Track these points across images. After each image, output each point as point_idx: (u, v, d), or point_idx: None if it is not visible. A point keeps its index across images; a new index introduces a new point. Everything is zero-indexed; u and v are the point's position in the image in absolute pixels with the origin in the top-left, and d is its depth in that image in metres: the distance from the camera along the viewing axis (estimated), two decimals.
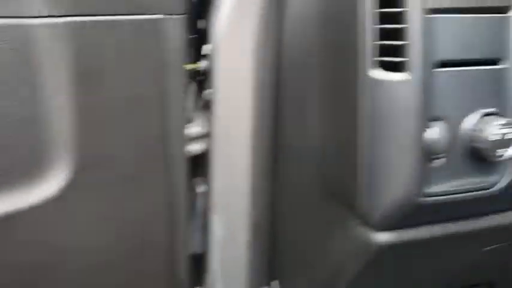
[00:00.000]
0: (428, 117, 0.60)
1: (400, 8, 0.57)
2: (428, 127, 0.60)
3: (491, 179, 0.64)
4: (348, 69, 0.62)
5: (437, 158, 0.61)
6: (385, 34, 0.59)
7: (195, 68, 0.83)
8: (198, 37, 0.82)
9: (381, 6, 0.59)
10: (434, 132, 0.60)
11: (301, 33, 0.73)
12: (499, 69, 0.62)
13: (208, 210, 0.85)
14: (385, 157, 0.61)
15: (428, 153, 0.60)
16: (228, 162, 0.82)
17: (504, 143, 0.60)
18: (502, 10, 0.62)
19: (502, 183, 0.64)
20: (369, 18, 0.59)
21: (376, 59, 0.59)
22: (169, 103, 0.70)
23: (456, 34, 0.59)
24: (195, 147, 0.83)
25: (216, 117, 0.78)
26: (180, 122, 0.74)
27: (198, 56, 0.82)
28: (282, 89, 0.80)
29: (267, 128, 0.82)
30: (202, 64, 0.81)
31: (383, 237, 0.65)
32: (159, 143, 0.71)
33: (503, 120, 0.60)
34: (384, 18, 0.59)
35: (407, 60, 0.58)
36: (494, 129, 0.59)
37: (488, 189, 0.64)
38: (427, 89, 0.59)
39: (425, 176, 0.61)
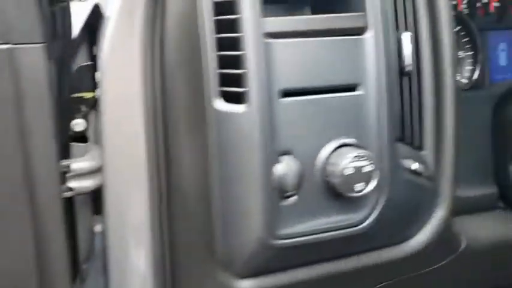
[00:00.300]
0: (277, 152, 0.54)
1: (236, 33, 0.52)
2: (277, 162, 0.54)
3: (359, 215, 0.59)
4: (199, 97, 0.56)
5: (290, 196, 0.55)
6: (227, 62, 0.53)
7: (83, 97, 0.78)
8: (93, 64, 0.76)
9: (219, 31, 0.53)
10: (284, 168, 0.54)
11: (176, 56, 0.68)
12: (355, 96, 0.56)
13: (106, 250, 0.78)
14: (235, 197, 0.55)
15: (279, 190, 0.54)
16: (121, 198, 0.76)
17: (362, 176, 0.55)
18: (357, 31, 0.57)
19: (371, 220, 0.59)
20: (211, 44, 0.54)
21: (219, 88, 0.54)
22: (30, 138, 0.63)
23: (303, 60, 0.54)
24: (87, 184, 0.77)
25: (107, 149, 0.72)
26: (50, 158, 0.67)
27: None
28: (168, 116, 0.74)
29: (162, 159, 0.76)
30: (97, 92, 0.75)
31: (245, 285, 0.59)
32: (22, 185, 0.64)
33: (358, 152, 0.54)
34: (223, 44, 0.53)
35: (247, 90, 0.52)
36: (348, 162, 0.54)
37: (356, 226, 0.58)
38: (271, 120, 0.53)
39: (277, 216, 0.54)
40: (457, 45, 0.90)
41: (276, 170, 0.53)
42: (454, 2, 0.91)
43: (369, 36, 0.56)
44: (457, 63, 0.91)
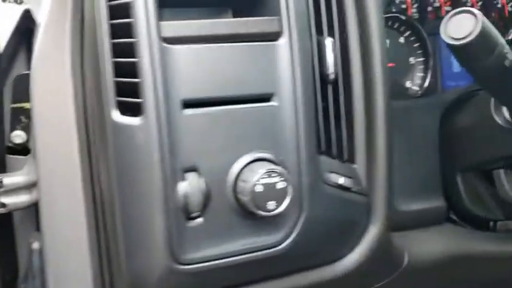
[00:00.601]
0: (180, 168, 0.49)
1: (131, 38, 0.47)
2: (180, 180, 0.50)
3: (276, 236, 0.54)
4: (100, 107, 0.52)
5: (196, 217, 0.50)
6: (123, 70, 0.49)
7: (23, 107, 0.73)
8: None
9: (114, 36, 0.48)
10: (188, 186, 0.49)
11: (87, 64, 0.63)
12: (269, 106, 0.52)
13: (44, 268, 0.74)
14: (136, 218, 0.50)
15: (182, 211, 0.49)
16: (57, 212, 0.71)
17: (275, 194, 0.50)
18: (271, 37, 0.52)
19: (291, 240, 0.54)
20: (107, 50, 0.49)
21: (116, 99, 0.49)
22: None
23: (209, 68, 0.49)
24: (22, 199, 0.72)
25: (40, 162, 0.67)
26: None
27: None
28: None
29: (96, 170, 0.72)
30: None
31: None
32: None
33: (269, 168, 0.50)
34: (120, 50, 0.49)
35: (143, 101, 0.48)
36: (258, 178, 0.49)
37: (274, 247, 0.54)
38: (171, 134, 0.48)
39: (182, 239, 0.50)
40: (408, 51, 0.87)
41: (179, 189, 0.49)
42: (404, 6, 0.87)
43: (283, 42, 0.52)
44: (408, 69, 0.87)
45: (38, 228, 0.75)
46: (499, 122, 0.67)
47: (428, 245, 0.72)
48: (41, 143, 0.66)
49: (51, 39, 0.63)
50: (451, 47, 0.53)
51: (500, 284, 0.85)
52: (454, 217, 0.79)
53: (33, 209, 0.71)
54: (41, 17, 0.65)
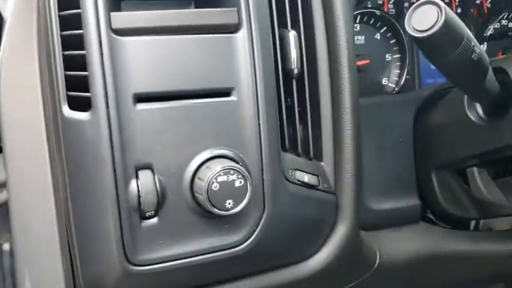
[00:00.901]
0: (133, 166, 0.47)
1: (79, 29, 0.45)
2: (133, 178, 0.47)
3: (238, 235, 0.52)
4: (53, 102, 0.50)
5: (150, 217, 0.48)
6: (73, 63, 0.47)
7: None
8: None
9: (63, 28, 0.46)
10: (141, 185, 0.47)
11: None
12: (228, 101, 0.50)
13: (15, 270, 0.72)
14: (87, 218, 0.48)
15: (135, 211, 0.47)
16: (28, 213, 0.69)
17: (233, 192, 0.48)
18: (230, 29, 0.50)
19: (253, 239, 0.52)
20: (57, 42, 0.47)
21: (67, 93, 0.47)
22: None
23: (163, 60, 0.47)
24: None
25: (8, 161, 0.65)
26: None
27: None
28: None
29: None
30: None
31: None
32: None
33: (228, 165, 0.48)
34: (70, 43, 0.47)
35: (91, 95, 0.46)
36: (215, 176, 0.47)
37: (235, 247, 0.52)
38: (121, 129, 0.46)
39: (136, 239, 0.48)
40: (384, 48, 0.85)
41: (131, 187, 0.47)
42: (380, 2, 0.85)
43: (242, 34, 0.50)
44: (384, 66, 0.86)
45: (9, 229, 0.73)
46: (473, 119, 0.66)
47: (402, 244, 0.71)
48: (9, 141, 0.64)
49: (18, 35, 0.61)
50: (416, 40, 0.51)
51: (474, 284, 0.84)
52: (430, 216, 0.78)
53: (5, 208, 0.69)
54: (7, 12, 0.63)
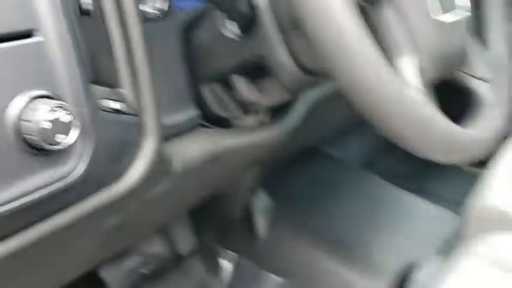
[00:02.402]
0: None
1: None
2: None
3: (66, 167, 0.56)
4: None
5: None
6: None
7: None
8: None
9: None
10: None
11: None
12: (33, 43, 0.52)
13: None
14: None
15: None
16: None
17: (62, 128, 0.52)
18: None
19: (81, 168, 0.58)
20: None
21: None
22: None
23: None
24: None
25: None
26: None
27: None
28: None
29: None
30: None
31: None
32: None
33: (54, 103, 0.51)
34: None
35: None
36: (43, 116, 0.50)
37: (64, 178, 0.56)
38: None
39: None
40: None
41: None
42: None
43: None
44: None
45: None
46: (228, 35, 0.80)
47: (190, 148, 0.84)
48: None
49: None
50: None
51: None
52: (204, 122, 0.92)
53: None
54: None
